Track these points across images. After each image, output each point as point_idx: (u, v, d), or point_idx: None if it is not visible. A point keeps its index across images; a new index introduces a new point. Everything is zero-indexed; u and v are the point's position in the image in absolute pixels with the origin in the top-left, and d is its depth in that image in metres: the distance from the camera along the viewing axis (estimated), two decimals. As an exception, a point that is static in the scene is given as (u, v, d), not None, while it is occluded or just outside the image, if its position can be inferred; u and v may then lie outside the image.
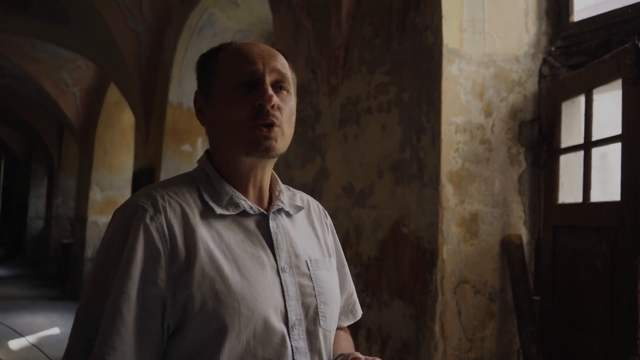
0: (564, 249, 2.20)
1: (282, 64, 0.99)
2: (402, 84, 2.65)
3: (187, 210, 0.93)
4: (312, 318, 0.97)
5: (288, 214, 1.04)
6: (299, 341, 0.94)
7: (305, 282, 0.98)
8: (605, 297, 1.91)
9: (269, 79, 0.96)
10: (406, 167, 2.56)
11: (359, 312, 1.21)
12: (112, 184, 8.89)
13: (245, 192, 0.99)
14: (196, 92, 1.04)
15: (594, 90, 2.09)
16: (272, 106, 0.93)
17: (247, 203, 0.97)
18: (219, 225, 0.94)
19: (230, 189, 0.97)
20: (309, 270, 1.00)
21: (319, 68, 3.25)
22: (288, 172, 3.58)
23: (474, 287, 2.37)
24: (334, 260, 1.09)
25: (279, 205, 1.01)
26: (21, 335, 6.02)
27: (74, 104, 8.85)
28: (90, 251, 8.64)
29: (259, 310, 0.89)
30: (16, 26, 6.56)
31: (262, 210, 0.99)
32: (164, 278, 0.87)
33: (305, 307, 0.97)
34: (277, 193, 1.04)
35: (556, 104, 2.35)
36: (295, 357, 0.93)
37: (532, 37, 2.54)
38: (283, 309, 0.93)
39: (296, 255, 0.99)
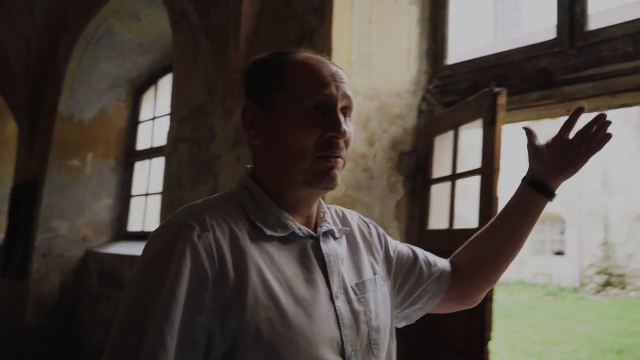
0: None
1: (349, 87, 0.92)
2: (293, 110, 2.75)
3: (236, 230, 0.85)
4: (366, 348, 0.91)
5: (334, 235, 0.96)
6: None
7: (357, 307, 0.92)
8: (462, 317, 2.08)
9: (339, 105, 0.89)
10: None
11: (443, 263, 1.14)
12: (-11, 198, 8.15)
13: (293, 214, 0.92)
14: (249, 102, 0.93)
15: (460, 127, 2.31)
16: (341, 137, 0.87)
17: (295, 224, 0.90)
18: (269, 247, 0.86)
19: (277, 209, 0.90)
20: (357, 294, 0.93)
21: (215, 90, 3.27)
22: (180, 192, 3.53)
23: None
24: (380, 279, 1.01)
25: (327, 227, 0.94)
26: None
27: (-51, 109, 8.06)
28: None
29: (317, 342, 0.82)
30: None
31: (312, 232, 0.92)
32: (212, 305, 0.78)
33: (360, 336, 0.90)
34: (321, 214, 0.97)
35: (430, 137, 2.56)
36: None
37: (413, 75, 2.75)
38: (339, 340, 0.86)
39: (344, 281, 0.93)
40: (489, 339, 1.94)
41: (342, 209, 1.08)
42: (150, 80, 5.67)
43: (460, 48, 3.03)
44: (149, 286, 0.78)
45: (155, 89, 5.65)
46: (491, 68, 2.48)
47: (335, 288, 0.89)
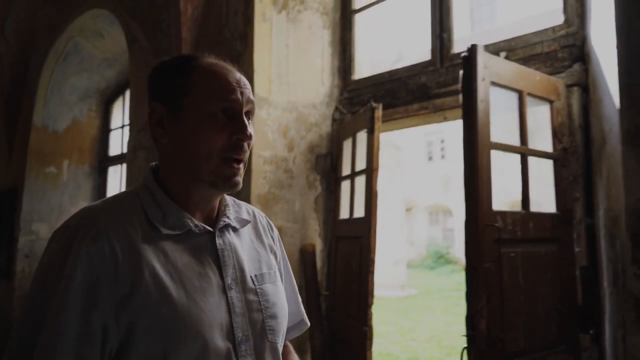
0: (342, 253, 2.89)
1: (251, 93, 0.98)
2: (226, 123, 3.23)
3: (131, 231, 0.88)
4: (260, 333, 0.96)
5: (234, 229, 1.02)
6: (246, 357, 0.92)
7: (252, 297, 0.97)
8: (358, 288, 2.59)
9: (244, 109, 0.94)
10: (227, 191, 3.13)
11: (307, 322, 1.22)
12: (-27, 204, 8.54)
13: (193, 211, 0.96)
14: (155, 103, 0.96)
15: (357, 134, 2.81)
16: (248, 141, 0.93)
17: (192, 222, 0.94)
18: (165, 245, 0.90)
19: (175, 209, 0.94)
20: (255, 285, 0.98)
21: (164, 104, 3.74)
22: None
23: (277, 287, 2.97)
24: (277, 273, 1.07)
25: (224, 222, 0.99)
26: None
27: None
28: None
29: (205, 329, 0.88)
30: None
31: (208, 228, 0.96)
32: (105, 303, 0.83)
33: (253, 323, 0.95)
34: (223, 208, 1.01)
35: (340, 142, 3.06)
36: None
37: (327, 89, 3.25)
38: (229, 326, 0.91)
39: (242, 271, 0.97)
40: (371, 304, 2.46)
41: (254, 208, 1.14)
42: (118, 90, 6.10)
43: (369, 62, 3.51)
44: (47, 287, 0.83)
45: (123, 99, 6.08)
46: (384, 83, 2.98)
47: (229, 280, 0.94)
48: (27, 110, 6.02)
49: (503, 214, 1.85)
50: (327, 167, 3.18)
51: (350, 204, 2.80)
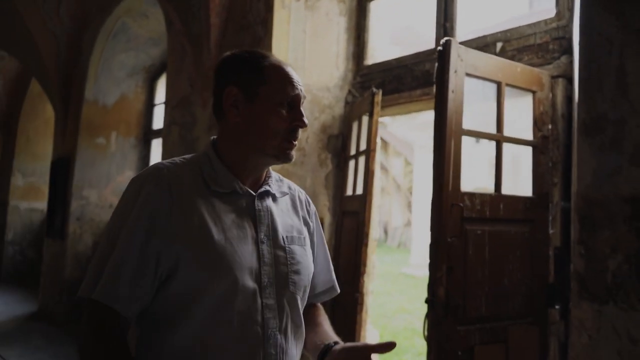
0: (346, 227, 3.12)
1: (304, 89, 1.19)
2: (248, 103, 3.50)
3: (188, 183, 1.10)
4: (283, 282, 1.12)
5: (274, 197, 1.20)
6: (269, 299, 1.09)
7: (280, 252, 1.14)
8: (355, 258, 2.83)
9: (302, 102, 1.17)
10: (245, 166, 3.42)
11: (337, 289, 1.39)
12: (34, 171, 9.28)
13: (242, 178, 1.16)
14: (232, 87, 1.15)
15: (362, 117, 3.01)
16: (305, 127, 1.16)
17: (238, 185, 1.14)
18: (213, 199, 1.10)
19: (226, 172, 1.14)
20: (284, 243, 1.15)
21: (195, 84, 4.04)
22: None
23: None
24: (308, 240, 1.23)
25: (265, 189, 1.18)
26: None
27: (-3, 94, 9.16)
28: (10, 234, 9.03)
29: (237, 268, 1.05)
30: (-62, 20, 6.91)
31: (251, 191, 1.15)
32: (162, 234, 1.03)
33: (278, 273, 1.12)
34: (267, 179, 1.20)
35: (349, 123, 3.27)
36: (264, 311, 1.08)
37: (341, 73, 3.45)
38: (258, 272, 1.09)
39: (274, 230, 1.15)
40: (363, 272, 2.69)
41: (297, 187, 1.33)
42: (162, 68, 6.48)
43: (383, 47, 3.66)
44: (122, 217, 1.06)
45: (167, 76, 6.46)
46: (392, 69, 3.15)
47: (262, 235, 1.13)
48: (80, 86, 6.51)
49: (471, 195, 2.03)
50: (338, 146, 3.40)
51: (354, 181, 3.02)
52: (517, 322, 2.13)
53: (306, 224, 1.26)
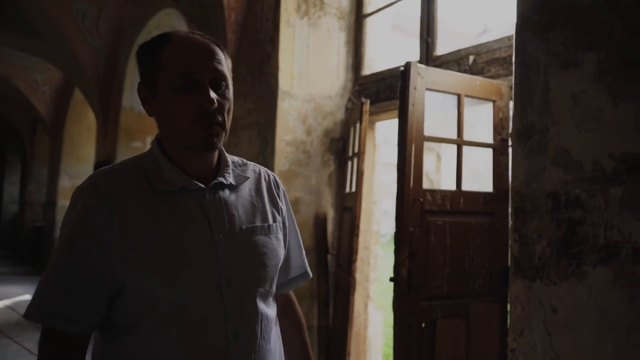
0: (345, 220, 3.52)
1: (219, 59, 1.03)
2: (260, 111, 3.94)
3: (129, 187, 1.01)
4: (246, 279, 1.04)
5: (231, 186, 1.09)
6: (231, 301, 1.01)
7: (240, 248, 1.05)
8: (351, 246, 3.23)
9: (208, 79, 1.00)
10: (257, 167, 3.86)
11: (310, 273, 1.31)
12: (78, 172, 10.05)
13: (190, 172, 1.05)
14: (140, 84, 1.06)
15: (356, 123, 3.40)
16: (214, 108, 0.99)
17: (186, 180, 1.04)
18: (158, 200, 1.01)
19: (171, 168, 1.04)
20: (245, 237, 1.07)
21: (216, 94, 4.51)
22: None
23: (294, 246, 3.68)
24: (277, 226, 1.15)
25: (217, 180, 1.07)
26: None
27: (45, 101, 9.95)
28: (59, 232, 9.81)
29: (188, 274, 0.98)
30: (-8, 37, 7.66)
31: (200, 185, 1.05)
32: (104, 246, 0.96)
33: (240, 270, 1.03)
34: (221, 168, 1.10)
35: (348, 128, 3.66)
36: (227, 317, 1.00)
37: (342, 82, 3.84)
38: (215, 273, 1.00)
39: (232, 224, 1.06)
40: (355, 260, 3.09)
41: (261, 167, 1.23)
42: (190, 76, 7.02)
43: (380, 58, 4.03)
44: (64, 230, 1.00)
45: (194, 83, 6.99)
46: (385, 79, 3.52)
47: (216, 232, 1.03)
48: (117, 95, 7.12)
49: (432, 191, 2.40)
50: (339, 148, 3.80)
51: (350, 180, 3.42)
52: (478, 299, 2.49)
53: (274, 206, 1.18)
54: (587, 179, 1.87)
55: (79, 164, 10.06)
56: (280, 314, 1.22)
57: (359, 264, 3.51)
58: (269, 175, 1.23)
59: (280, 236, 1.17)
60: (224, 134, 1.04)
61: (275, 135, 3.67)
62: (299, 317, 1.31)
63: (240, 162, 1.19)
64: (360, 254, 3.60)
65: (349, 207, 3.43)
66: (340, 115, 3.82)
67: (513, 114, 2.16)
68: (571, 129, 1.93)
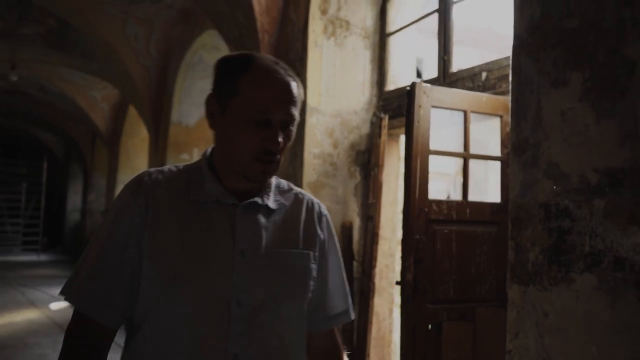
0: (369, 229, 3.71)
1: (296, 102, 1.05)
2: (290, 126, 4.20)
3: (169, 190, 1.04)
4: (259, 304, 1.01)
5: (267, 208, 1.08)
6: (239, 323, 0.98)
7: (260, 268, 1.02)
8: (372, 254, 3.42)
9: (280, 121, 1.02)
10: (287, 178, 4.11)
11: (351, 315, 1.23)
12: (133, 183, 10.67)
13: (233, 186, 1.06)
14: (211, 96, 1.07)
15: (378, 137, 3.59)
16: (278, 150, 1.01)
17: (222, 193, 1.05)
18: (190, 209, 1.03)
19: (213, 180, 1.06)
20: (267, 258, 1.04)
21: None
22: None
23: (322, 253, 3.91)
24: (309, 255, 1.10)
25: (253, 200, 1.06)
26: (59, 300, 7.83)
27: (103, 117, 10.67)
28: (115, 239, 10.43)
29: (200, 288, 0.98)
30: (56, 59, 8.37)
31: (235, 200, 1.05)
32: (134, 242, 1.00)
33: (253, 292, 1.01)
34: (264, 189, 1.10)
35: (372, 141, 3.86)
36: (231, 332, 0.98)
37: (367, 98, 4.05)
38: (228, 289, 0.99)
39: (257, 243, 1.04)
40: (374, 266, 3.28)
41: (309, 196, 1.20)
42: (234, 91, 7.41)
43: (405, 74, 4.21)
44: (105, 219, 1.08)
45: (237, 98, 7.37)
46: (405, 94, 3.70)
47: (240, 248, 1.01)
48: (167, 110, 7.60)
49: (439, 202, 2.56)
50: (365, 160, 4.00)
51: (373, 190, 3.61)
52: (484, 304, 2.63)
53: (310, 235, 1.13)
54: (574, 191, 2.00)
55: (134, 175, 10.60)
56: (320, 358, 1.17)
57: (383, 270, 3.69)
58: (313, 205, 1.19)
59: (311, 266, 1.11)
60: (275, 170, 1.06)
61: (303, 148, 3.91)
62: None
63: (286, 187, 1.18)
64: (386, 260, 3.78)
65: (371, 216, 3.62)
66: (365, 129, 4.03)
67: (510, 130, 2.31)
68: (560, 144, 2.07)
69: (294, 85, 1.06)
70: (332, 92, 4.00)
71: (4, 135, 15.42)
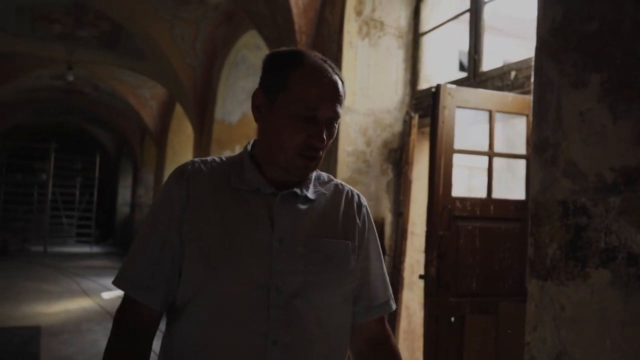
0: (400, 225, 3.82)
1: (341, 100, 1.06)
2: (325, 124, 4.35)
3: (211, 179, 1.08)
4: (298, 290, 1.03)
5: (305, 198, 1.10)
6: (276, 306, 1.01)
7: (298, 255, 1.04)
8: (401, 249, 3.53)
9: (325, 118, 1.03)
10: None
11: (392, 305, 1.23)
12: (180, 178, 11.08)
13: (274, 178, 1.09)
14: (258, 90, 1.09)
15: (409, 136, 3.69)
16: (322, 146, 1.04)
17: (262, 182, 1.07)
18: (230, 196, 1.07)
19: (253, 170, 1.09)
20: (305, 246, 1.05)
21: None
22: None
23: (354, 247, 4.04)
24: (347, 244, 1.11)
25: (293, 190, 1.08)
26: (111, 290, 8.27)
27: (152, 114, 11.13)
28: (162, 231, 10.88)
29: (239, 272, 1.01)
30: (109, 60, 8.83)
31: (274, 190, 1.07)
32: (177, 228, 1.05)
33: (291, 279, 1.03)
34: (305, 180, 1.11)
35: (404, 139, 3.97)
36: (270, 318, 1.00)
37: (400, 97, 4.15)
38: (267, 275, 1.01)
39: (295, 231, 1.06)
40: (403, 261, 3.39)
41: (349, 187, 1.21)
42: (275, 89, 7.63)
43: (439, 72, 4.27)
44: (153, 206, 1.14)
45: (278, 96, 7.58)
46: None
47: (278, 236, 1.04)
48: (211, 108, 7.90)
49: (463, 199, 2.65)
50: (397, 158, 4.11)
51: (402, 187, 3.72)
52: (507, 299, 2.70)
53: (349, 224, 1.14)
54: (591, 189, 2.07)
55: (179, 170, 11.09)
56: (367, 348, 1.18)
57: (414, 265, 3.80)
58: (353, 195, 1.19)
59: (350, 255, 1.12)
60: (317, 165, 1.08)
61: (337, 146, 4.05)
62: (394, 354, 1.19)
63: (326, 178, 1.20)
64: (416, 256, 3.88)
65: (402, 213, 3.73)
66: (398, 127, 4.13)
67: (531, 129, 2.37)
68: (578, 143, 2.13)
69: (341, 84, 1.08)
70: (366, 91, 4.12)
71: (62, 132, 16.28)
